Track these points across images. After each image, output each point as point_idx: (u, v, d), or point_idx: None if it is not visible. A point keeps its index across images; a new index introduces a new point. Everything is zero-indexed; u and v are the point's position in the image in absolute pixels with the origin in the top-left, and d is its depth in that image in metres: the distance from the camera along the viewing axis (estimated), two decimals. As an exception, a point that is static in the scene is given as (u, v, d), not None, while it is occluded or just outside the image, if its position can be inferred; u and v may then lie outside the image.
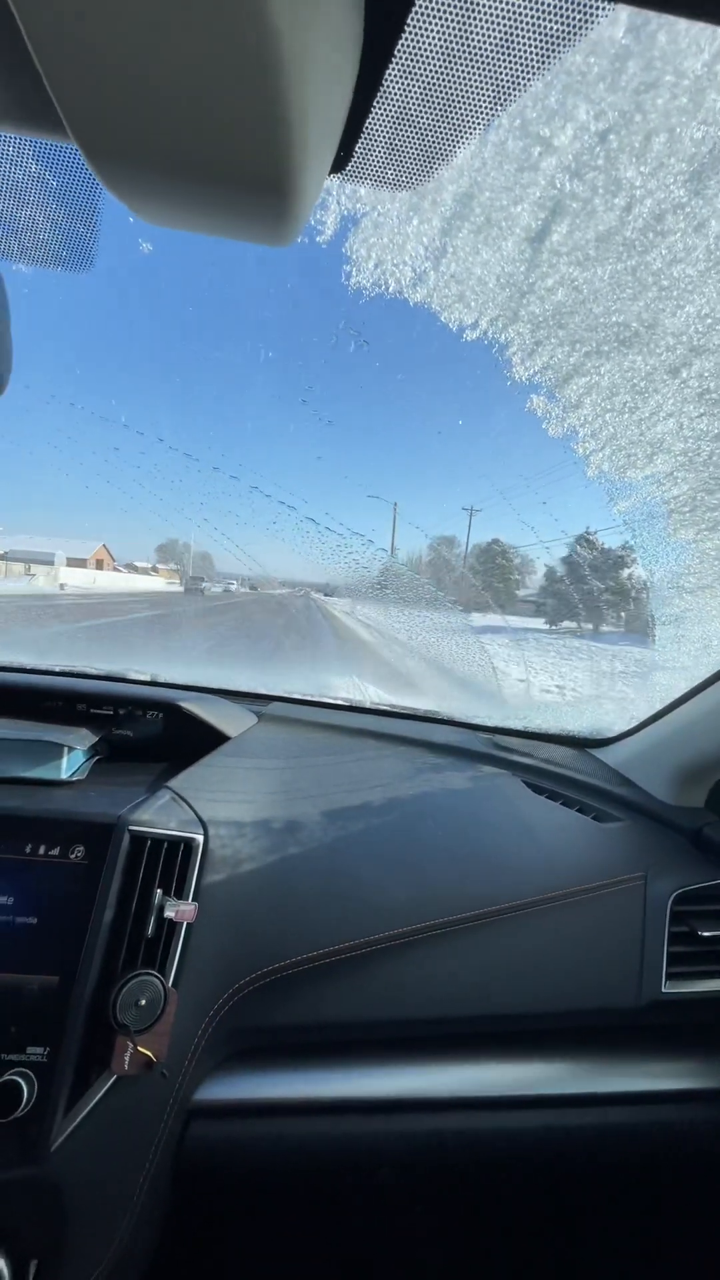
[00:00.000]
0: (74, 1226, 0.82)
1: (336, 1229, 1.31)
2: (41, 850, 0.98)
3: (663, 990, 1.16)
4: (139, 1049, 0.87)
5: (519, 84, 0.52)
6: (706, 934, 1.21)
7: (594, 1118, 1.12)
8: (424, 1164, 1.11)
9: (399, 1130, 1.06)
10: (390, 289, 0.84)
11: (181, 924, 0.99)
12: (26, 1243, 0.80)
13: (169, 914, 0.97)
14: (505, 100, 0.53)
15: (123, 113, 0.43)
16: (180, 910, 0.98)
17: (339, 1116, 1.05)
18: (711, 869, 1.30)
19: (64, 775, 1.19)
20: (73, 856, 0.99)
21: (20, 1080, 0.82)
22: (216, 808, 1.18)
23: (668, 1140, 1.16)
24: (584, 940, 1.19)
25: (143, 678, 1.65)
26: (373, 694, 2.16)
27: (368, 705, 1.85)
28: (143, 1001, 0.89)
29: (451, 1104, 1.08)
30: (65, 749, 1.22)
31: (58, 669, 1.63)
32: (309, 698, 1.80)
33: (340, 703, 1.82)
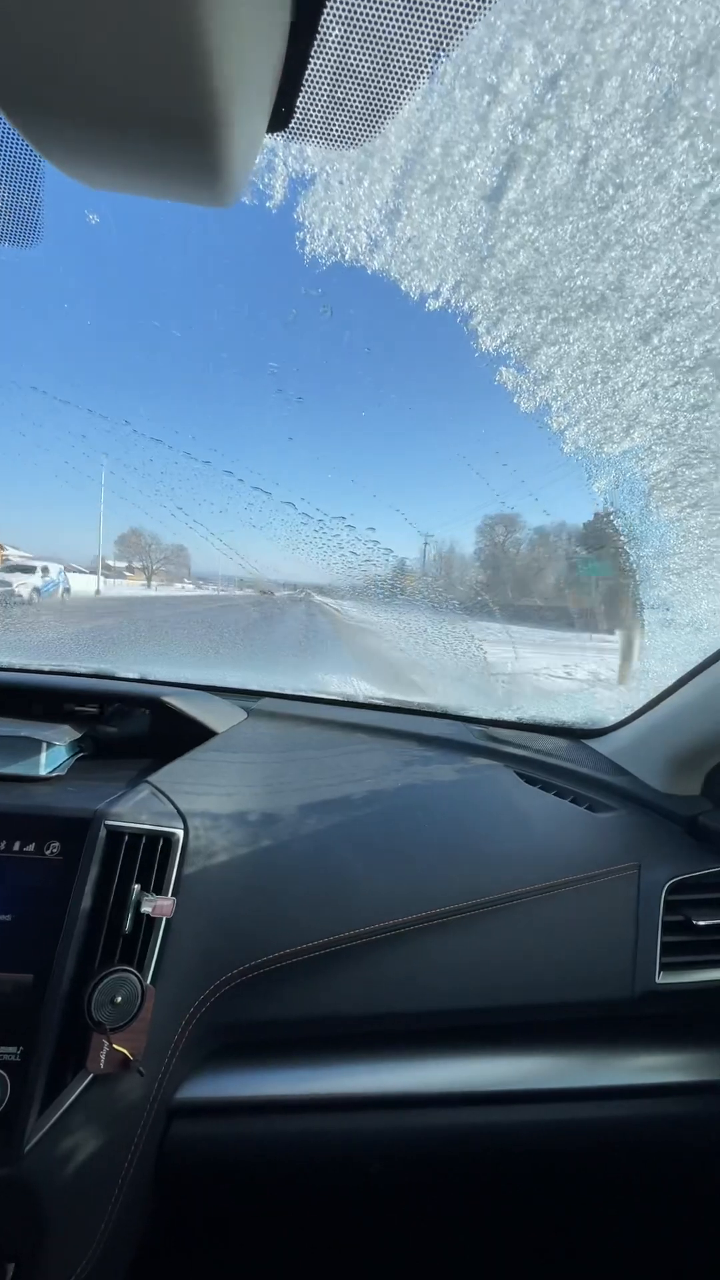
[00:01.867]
0: (50, 1228, 0.80)
1: (325, 1228, 1.28)
2: (16, 846, 0.97)
3: (657, 981, 1.14)
4: (115, 1047, 0.85)
5: (461, 25, 0.50)
6: (702, 923, 1.18)
7: (587, 1112, 1.09)
8: (414, 1161, 1.09)
9: (388, 1127, 1.04)
10: (347, 255, 0.82)
11: (160, 919, 0.97)
12: (1, 1245, 0.79)
13: (146, 909, 0.95)
14: (448, 44, 0.51)
15: (36, 58, 0.41)
16: (158, 905, 0.96)
17: (326, 1114, 1.03)
18: (707, 857, 1.28)
19: (42, 771, 1.17)
20: (48, 852, 0.97)
21: None
22: (199, 801, 1.16)
23: (663, 1135, 1.14)
24: (577, 931, 1.17)
25: (130, 675, 1.64)
26: (365, 689, 2.15)
27: (360, 700, 1.83)
28: (119, 998, 0.87)
29: (442, 1099, 1.05)
30: (44, 745, 1.20)
31: (46, 668, 1.63)
32: (300, 693, 1.79)
33: (332, 698, 1.80)
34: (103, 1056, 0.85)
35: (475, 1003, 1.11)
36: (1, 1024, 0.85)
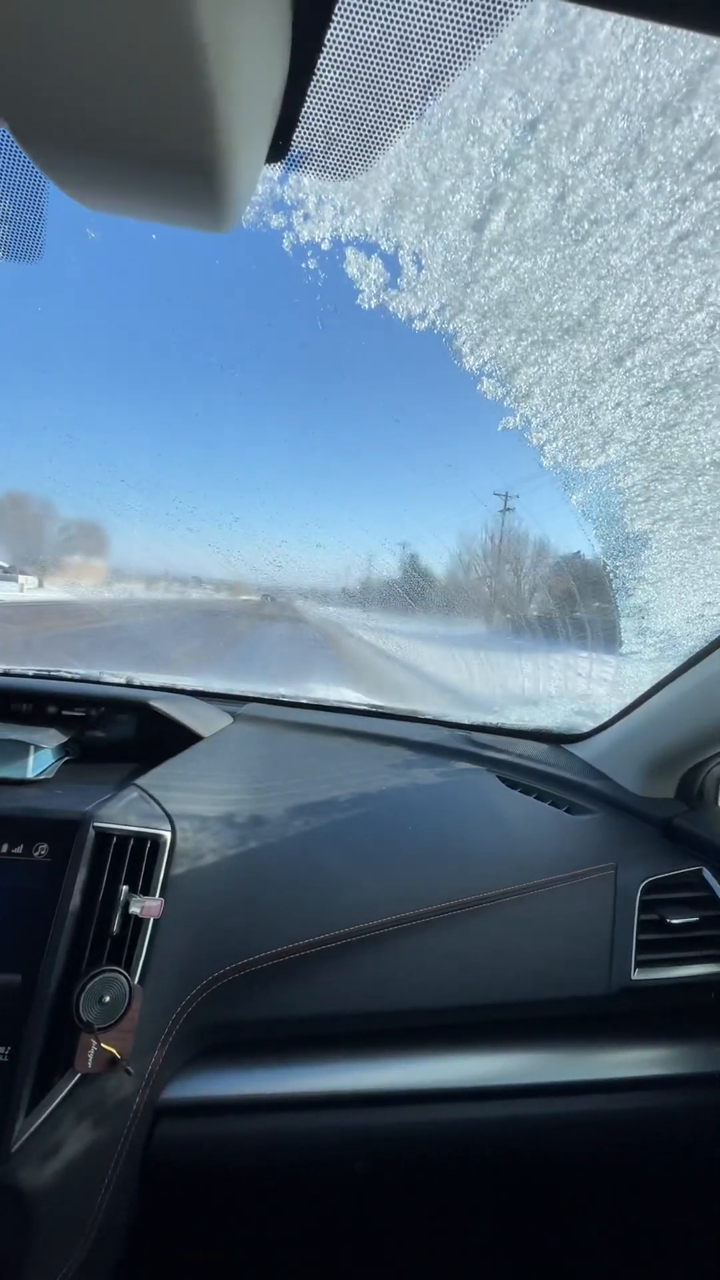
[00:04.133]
0: (36, 1230, 0.80)
1: (311, 1226, 1.29)
2: (4, 848, 0.97)
3: (632, 977, 1.17)
4: (103, 1046, 0.86)
5: (446, 73, 0.54)
6: (675, 921, 1.22)
7: (568, 1106, 1.12)
8: (399, 1157, 1.11)
9: (373, 1124, 1.05)
10: (338, 277, 0.86)
11: (147, 920, 0.98)
12: None
13: (134, 910, 0.96)
14: (435, 89, 0.55)
15: (49, 91, 0.44)
16: (146, 906, 0.97)
17: (311, 1112, 1.04)
18: (680, 858, 1.32)
19: (30, 774, 1.18)
20: (37, 854, 0.98)
21: None
22: (186, 804, 1.17)
23: (640, 1127, 1.17)
24: (556, 930, 1.20)
25: (117, 680, 1.65)
26: (349, 694, 2.18)
27: (343, 705, 1.85)
28: (106, 998, 0.88)
29: (426, 1096, 1.07)
30: (32, 748, 1.21)
31: (30, 671, 1.62)
32: (284, 698, 1.81)
33: (316, 702, 1.82)
34: (90, 1056, 0.85)
35: (459, 1000, 1.13)
36: None
